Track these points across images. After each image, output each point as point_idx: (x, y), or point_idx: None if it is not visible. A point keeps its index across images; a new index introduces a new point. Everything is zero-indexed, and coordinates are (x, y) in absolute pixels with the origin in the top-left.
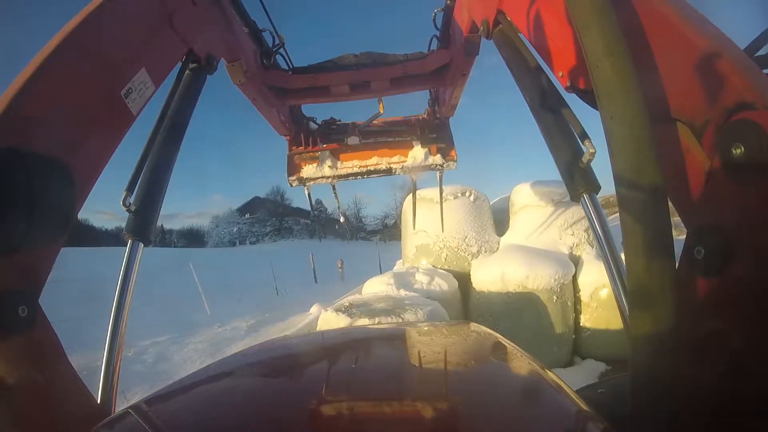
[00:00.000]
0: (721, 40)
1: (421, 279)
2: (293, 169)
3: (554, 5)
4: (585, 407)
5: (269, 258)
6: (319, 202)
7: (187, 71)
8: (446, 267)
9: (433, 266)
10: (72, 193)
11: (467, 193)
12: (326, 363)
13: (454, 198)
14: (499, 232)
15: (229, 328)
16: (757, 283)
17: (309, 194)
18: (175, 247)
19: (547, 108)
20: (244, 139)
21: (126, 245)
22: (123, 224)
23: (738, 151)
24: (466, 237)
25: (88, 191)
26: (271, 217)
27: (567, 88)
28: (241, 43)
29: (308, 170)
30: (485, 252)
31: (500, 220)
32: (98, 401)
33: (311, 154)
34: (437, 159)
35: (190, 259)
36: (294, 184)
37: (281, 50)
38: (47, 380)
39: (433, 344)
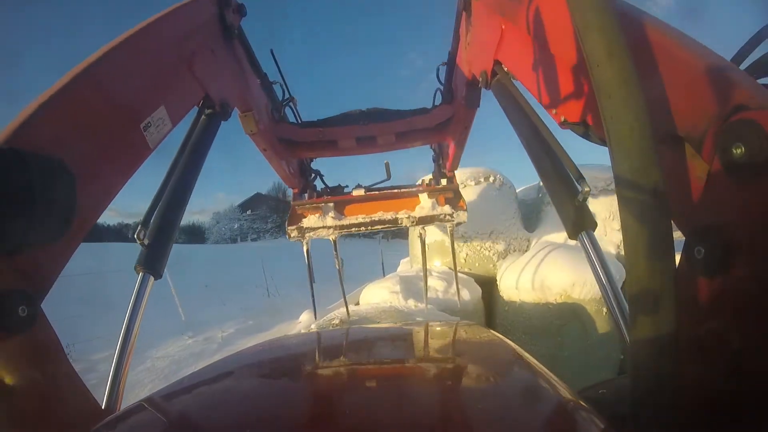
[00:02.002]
0: (710, 54)
1: (434, 285)
2: (294, 219)
3: (545, 45)
4: (586, 407)
5: (267, 255)
6: None
7: (203, 116)
8: (466, 269)
9: (450, 268)
10: (73, 194)
11: (491, 178)
12: (328, 363)
13: (476, 183)
14: (527, 227)
15: (201, 339)
16: (758, 282)
17: (307, 250)
18: (176, 243)
19: (543, 151)
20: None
21: (137, 277)
22: (125, 220)
23: (738, 151)
24: (491, 232)
25: (103, 208)
26: (272, 214)
27: (561, 124)
28: (254, 94)
29: (310, 220)
30: (514, 251)
31: (526, 213)
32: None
33: (315, 204)
34: (446, 209)
35: (188, 256)
36: (293, 235)
37: (290, 104)
38: (47, 380)
39: (433, 344)
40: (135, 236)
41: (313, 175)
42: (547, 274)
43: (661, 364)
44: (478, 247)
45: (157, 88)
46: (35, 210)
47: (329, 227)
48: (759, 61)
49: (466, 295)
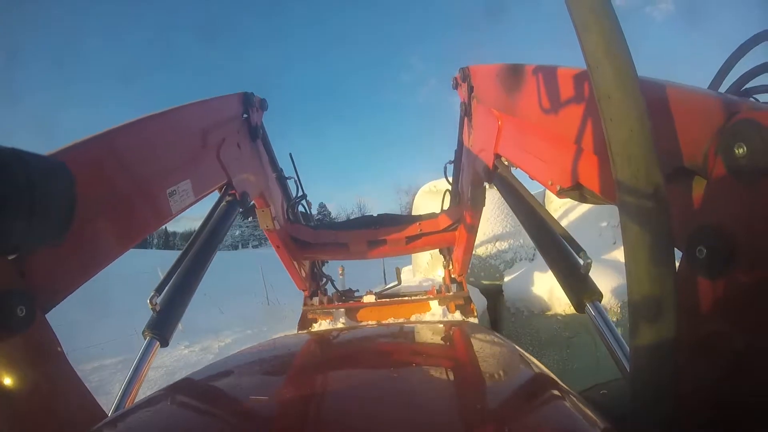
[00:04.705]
0: (690, 87)
1: None
2: (305, 323)
3: (538, 124)
4: (586, 408)
5: (268, 262)
6: (323, 206)
7: (224, 202)
8: (471, 279)
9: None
10: (72, 197)
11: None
12: (328, 362)
13: None
14: None
15: (197, 349)
16: (761, 282)
17: None
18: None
19: (544, 231)
20: None
21: (139, 341)
22: None
23: (740, 151)
24: (496, 239)
25: (123, 249)
26: None
27: (558, 194)
28: (272, 192)
29: (321, 326)
30: (521, 260)
31: None
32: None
33: (326, 310)
34: (457, 316)
35: None
36: None
37: (303, 202)
38: (46, 380)
39: (432, 343)
40: (148, 301)
41: (324, 279)
42: (555, 283)
43: (662, 364)
44: (483, 256)
45: (186, 163)
46: (32, 210)
47: None
48: (735, 84)
49: None
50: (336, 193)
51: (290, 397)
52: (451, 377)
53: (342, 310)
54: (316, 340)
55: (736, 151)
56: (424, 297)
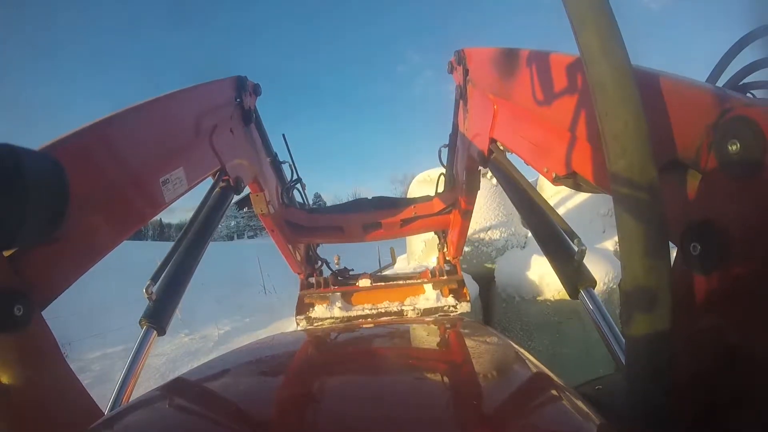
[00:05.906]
0: (686, 79)
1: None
2: (303, 308)
3: (534, 110)
4: (582, 404)
5: (264, 253)
6: (318, 196)
7: (217, 188)
8: (464, 266)
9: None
10: (64, 194)
11: (488, 172)
12: (324, 360)
13: None
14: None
15: (197, 337)
16: (754, 278)
17: None
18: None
19: (539, 217)
20: None
21: (141, 331)
22: None
23: (734, 147)
24: (489, 228)
25: (118, 242)
26: None
27: (554, 181)
28: (266, 177)
29: (318, 311)
30: (512, 247)
31: None
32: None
33: (322, 294)
34: (450, 300)
35: None
36: (301, 324)
37: (298, 186)
38: (43, 380)
39: (430, 341)
40: (143, 290)
41: (320, 262)
42: (545, 270)
43: (657, 360)
44: (476, 243)
45: (179, 150)
46: (26, 205)
47: (337, 318)
48: (732, 79)
49: None
50: (331, 183)
51: (286, 396)
52: (448, 375)
53: (338, 293)
54: (312, 339)
55: (730, 148)
56: (419, 280)
